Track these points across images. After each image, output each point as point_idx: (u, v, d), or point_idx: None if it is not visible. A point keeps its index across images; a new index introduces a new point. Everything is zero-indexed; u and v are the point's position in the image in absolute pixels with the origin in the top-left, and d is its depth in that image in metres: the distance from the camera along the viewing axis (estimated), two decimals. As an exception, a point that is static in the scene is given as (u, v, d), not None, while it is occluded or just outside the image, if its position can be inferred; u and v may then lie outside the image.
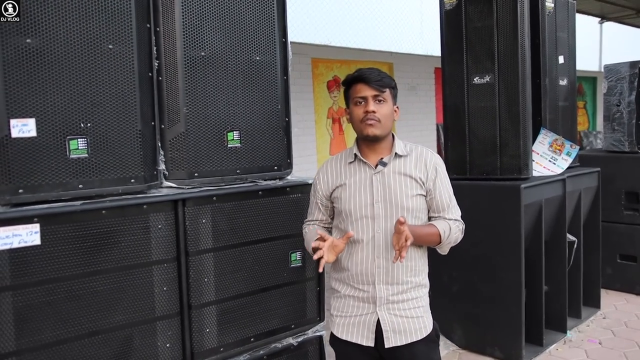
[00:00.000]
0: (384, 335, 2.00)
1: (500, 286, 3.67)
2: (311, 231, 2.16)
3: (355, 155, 2.06)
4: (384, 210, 2.00)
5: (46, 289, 1.75)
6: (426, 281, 2.11)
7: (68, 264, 1.79)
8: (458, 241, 2.10)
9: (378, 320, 2.02)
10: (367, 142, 2.03)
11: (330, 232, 2.19)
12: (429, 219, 2.10)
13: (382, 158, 2.03)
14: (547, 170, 4.05)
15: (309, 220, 2.20)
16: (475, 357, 3.82)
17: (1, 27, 1.66)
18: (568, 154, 4.10)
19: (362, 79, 1.99)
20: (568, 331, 4.13)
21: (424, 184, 2.03)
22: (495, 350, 3.76)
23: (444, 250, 2.09)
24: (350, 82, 2.04)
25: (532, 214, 3.72)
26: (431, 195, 2.05)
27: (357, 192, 2.04)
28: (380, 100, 1.99)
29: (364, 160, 2.04)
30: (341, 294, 2.10)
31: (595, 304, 4.66)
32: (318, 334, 2.46)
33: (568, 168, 4.13)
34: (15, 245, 1.69)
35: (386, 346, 2.00)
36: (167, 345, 2.02)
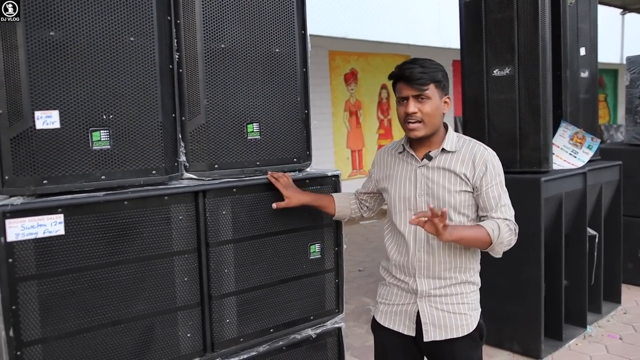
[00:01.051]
0: (423, 328, 2.00)
1: (519, 280, 3.65)
2: (344, 193, 2.34)
3: (403, 146, 2.06)
4: (427, 203, 1.96)
5: (70, 278, 1.78)
6: (475, 279, 2.07)
7: (91, 253, 1.81)
8: (512, 244, 1.96)
9: (418, 311, 2.02)
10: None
11: (364, 210, 2.34)
12: (479, 219, 2.02)
13: (429, 151, 2.01)
14: (567, 163, 4.01)
15: (357, 190, 2.33)
16: (493, 351, 3.80)
17: (26, 20, 1.68)
18: (589, 147, 4.05)
19: (403, 77, 1.93)
20: (588, 326, 4.10)
21: (469, 181, 1.96)
22: (514, 345, 3.75)
23: (497, 251, 1.95)
24: (393, 79, 1.99)
25: (552, 208, 3.69)
26: (478, 192, 1.97)
27: (402, 184, 2.05)
28: (422, 99, 1.92)
29: (411, 152, 2.04)
30: (386, 281, 2.15)
31: (616, 299, 4.62)
32: (337, 325, 2.46)
33: (589, 161, 4.09)
34: (40, 235, 1.72)
35: (425, 340, 2.00)
36: (188, 335, 2.04)
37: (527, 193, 3.55)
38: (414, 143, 2.05)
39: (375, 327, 2.18)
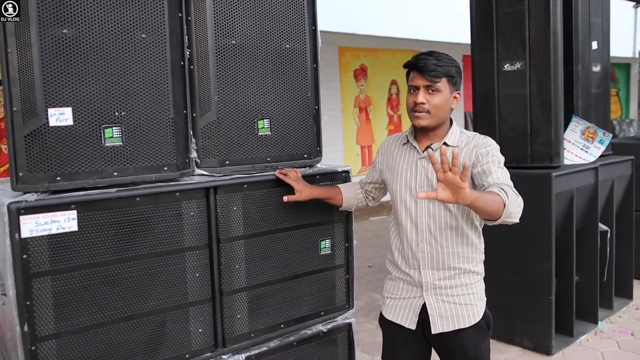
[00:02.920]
0: (431, 321, 2.02)
1: (530, 276, 3.64)
2: (350, 183, 2.36)
3: (407, 137, 2.09)
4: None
5: (83, 274, 1.80)
6: (478, 269, 2.07)
7: (104, 249, 1.83)
8: (519, 214, 1.81)
9: (424, 304, 2.02)
10: (417, 128, 2.03)
11: (369, 200, 2.37)
12: None
13: (431, 144, 2.03)
14: (579, 158, 3.98)
15: (361, 180, 2.35)
16: (503, 346, 3.80)
17: (39, 18, 1.69)
18: (601, 141, 4.02)
19: (417, 67, 1.95)
20: (599, 322, 4.08)
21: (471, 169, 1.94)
22: (525, 340, 3.74)
23: (513, 214, 1.77)
24: (408, 68, 2.01)
25: (564, 203, 3.67)
26: (476, 169, 1.91)
27: (403, 175, 2.07)
28: (433, 91, 1.94)
29: (414, 144, 2.06)
30: (392, 275, 2.17)
31: (627, 294, 4.60)
32: (347, 321, 2.47)
33: (601, 156, 4.06)
34: (54, 231, 1.74)
35: (433, 332, 2.02)
36: (200, 330, 2.06)
37: (538, 188, 3.53)
38: (418, 134, 2.07)
39: (383, 321, 2.20)
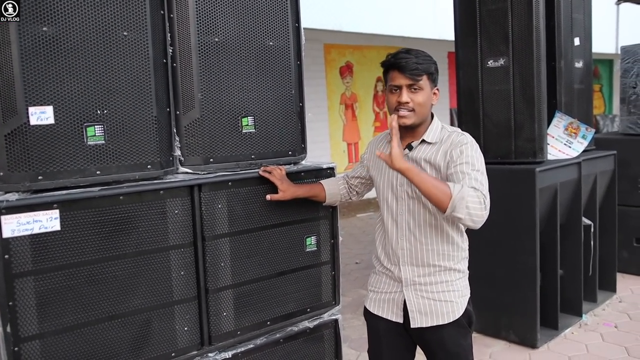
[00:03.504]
0: (410, 316, 2.05)
1: (515, 270, 3.67)
2: (332, 179, 2.37)
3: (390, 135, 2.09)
4: (407, 193, 2.02)
5: (66, 273, 1.78)
6: (460, 266, 2.08)
7: (87, 249, 1.82)
8: (481, 215, 1.79)
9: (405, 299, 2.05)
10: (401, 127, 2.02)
11: (353, 194, 2.40)
12: None
13: (412, 142, 2.04)
14: (562, 153, 4.02)
15: (346, 174, 2.37)
16: (490, 340, 3.83)
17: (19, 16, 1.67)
18: (584, 137, 4.07)
19: (398, 66, 1.95)
20: (583, 315, 4.13)
21: (446, 164, 1.95)
22: (510, 334, 3.78)
23: (458, 210, 1.76)
24: (387, 67, 2.01)
25: (548, 198, 3.71)
26: (448, 167, 1.93)
27: (386, 173, 2.10)
28: (415, 89, 1.95)
29: None
30: (376, 270, 2.20)
31: (611, 287, 4.66)
32: (334, 317, 2.48)
33: (584, 151, 4.10)
34: (36, 231, 1.72)
35: (412, 326, 2.04)
36: (185, 328, 2.05)
37: (522, 183, 3.56)
38: (402, 132, 2.06)
39: (367, 314, 2.23)
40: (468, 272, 2.14)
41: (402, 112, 1.96)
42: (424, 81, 1.96)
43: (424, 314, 2.03)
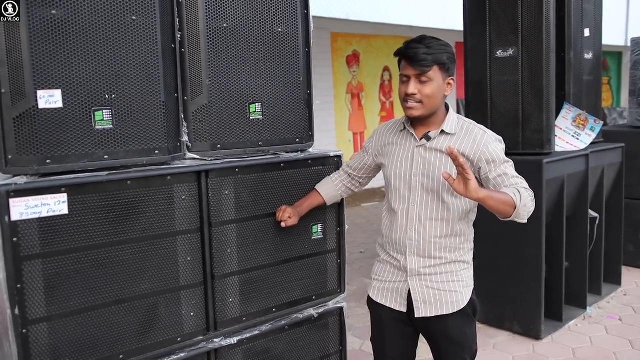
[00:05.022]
0: (414, 305, 2.04)
1: (520, 261, 3.66)
2: (328, 179, 2.32)
3: (404, 124, 2.07)
4: (421, 184, 1.99)
5: (74, 257, 1.79)
6: (466, 258, 2.08)
7: (95, 233, 1.82)
8: (532, 210, 1.89)
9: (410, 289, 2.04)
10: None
11: (356, 187, 2.35)
12: None
13: (428, 132, 2.01)
14: (570, 145, 4.00)
15: (347, 165, 2.32)
16: (494, 331, 3.84)
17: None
18: (592, 129, 4.04)
19: (407, 56, 1.92)
20: (588, 307, 4.12)
21: (472, 163, 1.96)
22: (514, 325, 3.78)
23: (522, 216, 1.86)
24: (399, 56, 1.97)
25: (554, 190, 3.69)
26: (485, 175, 1.95)
27: (399, 162, 2.06)
28: (423, 80, 1.91)
29: (411, 131, 2.04)
30: (380, 258, 2.19)
31: (616, 280, 4.65)
32: (339, 305, 2.48)
33: (591, 143, 4.08)
34: (44, 214, 1.72)
35: (416, 316, 2.04)
36: (192, 314, 2.06)
37: (529, 175, 3.50)
38: (414, 122, 2.05)
39: (370, 303, 2.22)
40: (473, 263, 2.14)
41: (410, 104, 1.94)
42: (434, 72, 1.91)
43: (428, 303, 2.03)
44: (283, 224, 2.18)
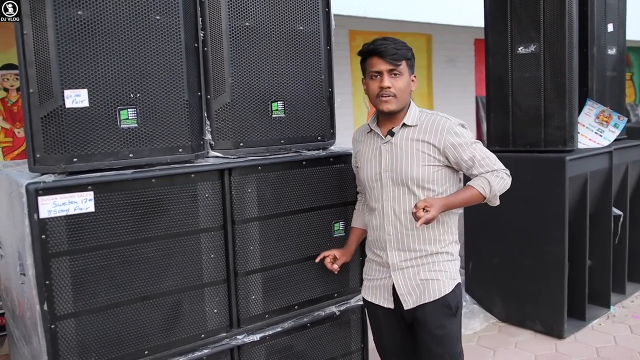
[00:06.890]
0: (401, 299, 2.07)
1: (543, 260, 3.63)
2: (355, 212, 2.37)
3: (369, 126, 2.13)
4: (391, 179, 2.03)
5: (101, 254, 1.82)
6: (448, 249, 2.08)
7: (120, 230, 1.85)
8: (507, 187, 2.03)
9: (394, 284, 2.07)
10: (383, 114, 2.05)
11: None
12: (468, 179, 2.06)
13: (392, 127, 2.05)
14: (593, 142, 3.95)
15: (357, 185, 2.33)
16: (515, 330, 3.80)
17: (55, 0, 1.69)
18: (615, 125, 3.98)
19: (377, 52, 1.98)
20: (612, 306, 4.07)
21: (438, 150, 1.99)
22: (536, 324, 3.74)
23: (493, 203, 2.03)
24: (365, 55, 2.03)
25: (577, 187, 3.65)
26: (455, 159, 2.00)
27: (369, 161, 2.11)
28: (395, 74, 1.98)
29: (376, 130, 2.09)
30: (368, 258, 2.23)
31: (640, 279, 4.57)
32: (360, 303, 2.48)
33: (615, 140, 4.02)
34: (72, 212, 1.75)
35: (405, 308, 2.06)
36: (215, 310, 2.08)
37: (552, 172, 3.51)
38: (380, 121, 2.09)
39: (365, 302, 2.25)
40: (459, 257, 2.14)
41: (385, 98, 1.98)
42: (403, 67, 1.99)
43: (411, 295, 2.04)
44: (336, 267, 2.28)
